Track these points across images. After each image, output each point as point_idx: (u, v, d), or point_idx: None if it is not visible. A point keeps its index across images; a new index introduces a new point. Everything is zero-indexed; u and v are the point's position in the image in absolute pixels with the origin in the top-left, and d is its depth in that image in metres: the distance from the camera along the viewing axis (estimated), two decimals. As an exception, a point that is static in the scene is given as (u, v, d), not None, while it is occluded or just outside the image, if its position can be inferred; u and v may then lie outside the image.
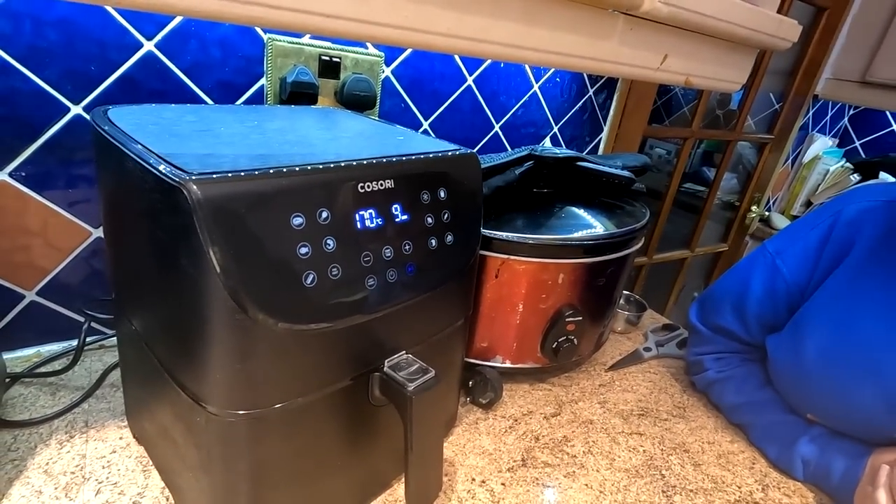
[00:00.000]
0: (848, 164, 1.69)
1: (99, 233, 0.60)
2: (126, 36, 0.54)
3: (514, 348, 0.64)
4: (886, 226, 0.54)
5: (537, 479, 0.54)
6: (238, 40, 0.60)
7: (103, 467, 0.47)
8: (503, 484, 0.52)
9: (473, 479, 0.52)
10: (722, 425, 0.67)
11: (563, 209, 0.66)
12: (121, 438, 0.51)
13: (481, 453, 0.56)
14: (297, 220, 0.32)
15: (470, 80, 0.79)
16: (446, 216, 0.43)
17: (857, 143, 1.81)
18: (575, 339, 0.64)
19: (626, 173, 0.67)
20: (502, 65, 0.82)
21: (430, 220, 0.42)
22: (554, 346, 0.63)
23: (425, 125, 0.78)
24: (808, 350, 0.56)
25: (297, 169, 0.33)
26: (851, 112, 1.80)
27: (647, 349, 0.80)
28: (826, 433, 0.57)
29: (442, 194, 0.43)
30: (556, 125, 0.95)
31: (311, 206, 0.33)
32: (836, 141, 1.82)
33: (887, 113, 1.71)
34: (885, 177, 1.60)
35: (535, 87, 0.87)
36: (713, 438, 0.64)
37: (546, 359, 0.65)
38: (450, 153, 0.44)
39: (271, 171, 0.32)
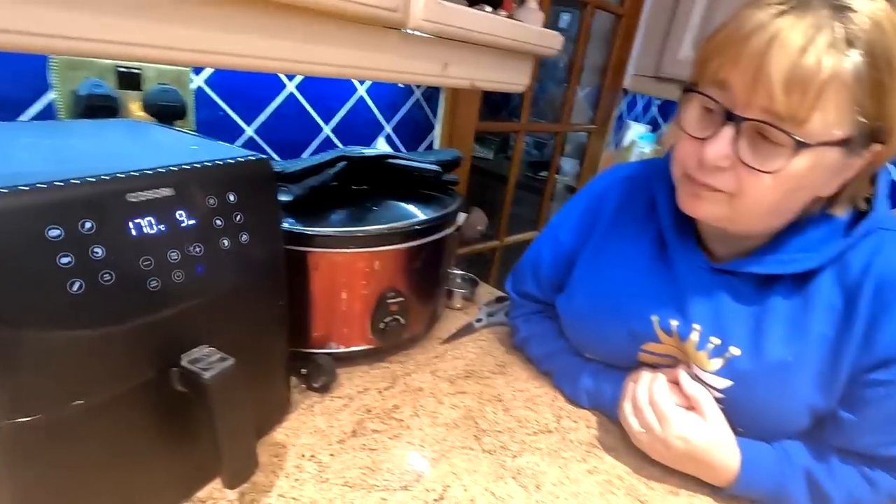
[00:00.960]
0: (659, 146, 2.00)
1: None
2: None
3: (346, 333, 0.70)
4: (620, 198, 0.68)
5: (365, 444, 0.60)
6: (11, 53, 0.58)
7: None
8: (331, 454, 0.58)
9: (303, 455, 0.57)
10: (533, 375, 0.79)
11: (380, 203, 0.73)
12: None
13: (314, 432, 0.61)
14: (55, 232, 0.34)
15: (291, 87, 0.83)
16: (238, 218, 0.47)
17: (664, 128, 2.15)
18: (401, 319, 0.72)
19: (433, 167, 0.75)
20: (323, 71, 0.87)
21: (219, 222, 0.46)
22: (381, 326, 0.70)
23: (249, 132, 0.81)
24: (577, 301, 0.70)
25: (56, 184, 0.35)
26: (658, 102, 2.13)
27: (479, 320, 0.91)
28: (601, 368, 0.71)
29: (231, 198, 0.47)
30: (389, 125, 1.02)
31: (71, 218, 0.35)
32: (650, 127, 2.14)
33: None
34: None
35: (362, 91, 0.93)
36: (524, 387, 0.76)
37: (377, 339, 0.72)
38: (238, 159, 0.48)
39: (22, 187, 0.33)
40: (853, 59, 0.42)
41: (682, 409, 0.59)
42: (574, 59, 1.54)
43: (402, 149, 1.07)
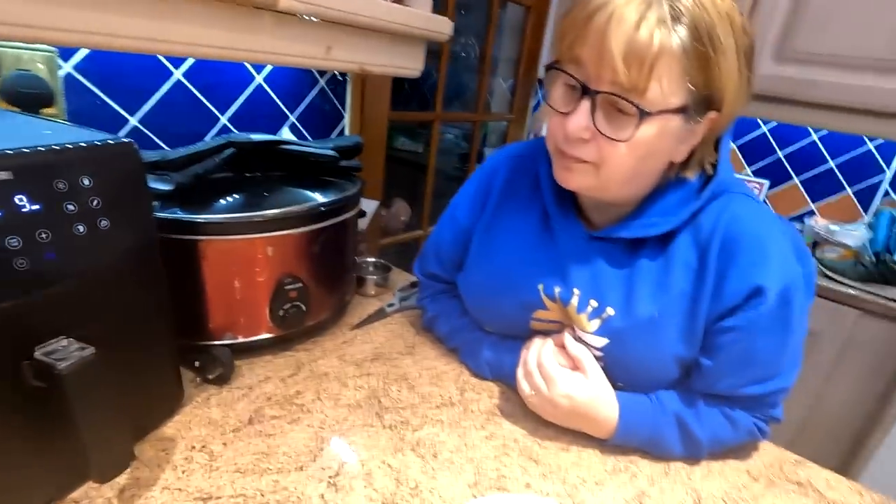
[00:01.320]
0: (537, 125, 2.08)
1: None
2: None
3: (244, 323, 0.69)
4: (508, 175, 0.71)
5: (261, 431, 0.60)
6: None
7: None
8: (224, 444, 0.57)
9: (194, 447, 0.56)
10: (441, 354, 0.81)
11: (274, 190, 0.72)
12: None
13: (207, 423, 0.60)
14: None
15: (178, 74, 0.80)
16: (96, 203, 0.45)
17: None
18: (301, 305, 0.71)
19: (329, 152, 0.75)
20: (214, 58, 0.84)
21: (71, 207, 0.44)
22: (281, 314, 0.70)
23: (133, 122, 0.77)
24: (473, 277, 0.72)
25: None
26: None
27: (391, 305, 0.92)
28: (499, 340, 0.74)
29: (86, 182, 0.45)
30: (293, 114, 1.00)
31: None
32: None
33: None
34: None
35: (259, 79, 0.92)
36: (432, 365, 0.78)
37: (278, 328, 0.71)
38: (94, 143, 0.46)
39: None
40: (679, 34, 0.47)
41: (566, 369, 0.63)
42: (484, 50, 1.58)
43: (309, 138, 1.05)
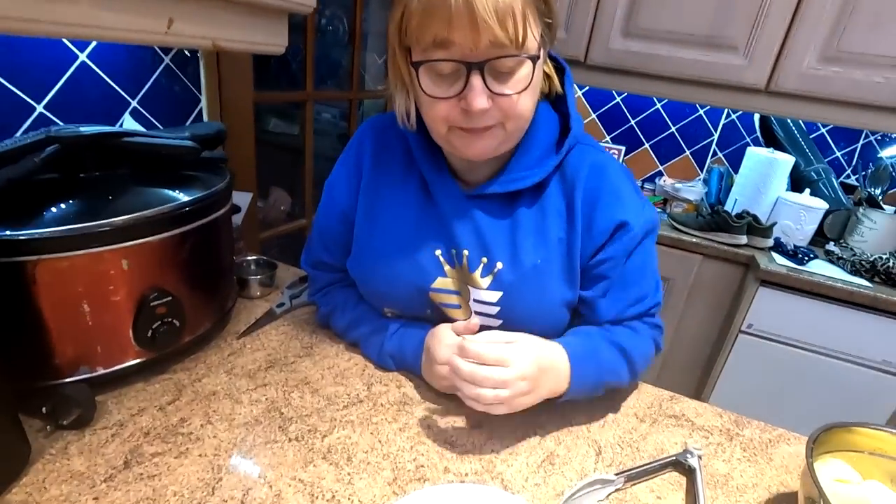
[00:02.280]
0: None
1: None
2: None
3: (101, 352, 0.58)
4: (376, 148, 0.70)
5: (142, 473, 0.51)
6: None
7: None
8: (96, 498, 0.48)
9: (53, 511, 0.46)
10: (342, 349, 0.77)
11: (121, 192, 0.61)
12: None
13: (70, 478, 0.50)
14: None
15: (-36, 52, 0.63)
16: None
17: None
18: (174, 321, 0.62)
19: (188, 143, 0.66)
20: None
21: None
22: (149, 334, 0.60)
23: None
24: (365, 257, 0.70)
25: None
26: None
27: (281, 305, 0.85)
28: (401, 327, 0.72)
29: None
30: (135, 99, 0.86)
31: None
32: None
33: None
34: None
35: (83, 57, 0.76)
36: (333, 363, 0.74)
37: (148, 350, 0.62)
38: None
39: None
40: None
41: (495, 349, 0.57)
42: (353, 24, 1.50)
43: (159, 126, 0.92)
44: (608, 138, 2.06)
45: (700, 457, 0.61)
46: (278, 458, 0.56)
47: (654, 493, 0.58)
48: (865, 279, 1.45)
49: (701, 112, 1.91)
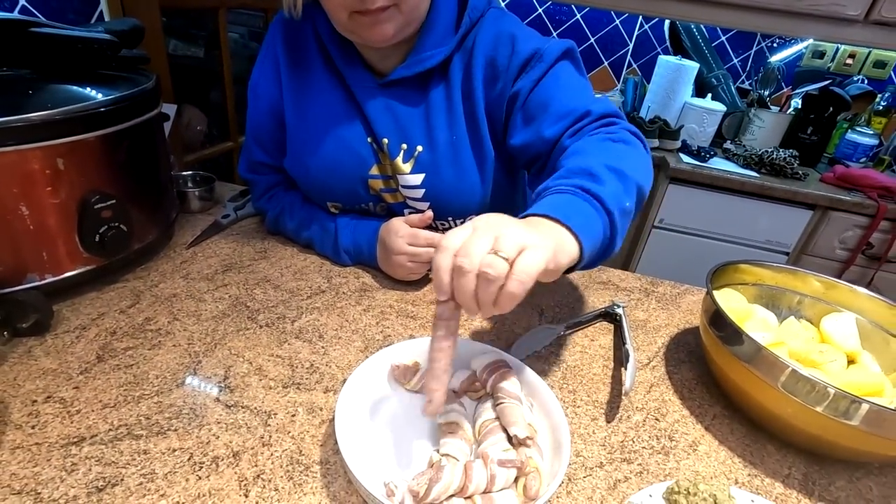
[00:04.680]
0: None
1: None
2: None
3: (47, 259, 0.57)
4: (288, 41, 0.70)
5: (118, 364, 0.53)
6: None
7: None
8: (76, 387, 0.49)
9: (35, 401, 0.47)
10: (297, 251, 0.79)
11: (39, 88, 0.57)
12: None
13: (42, 375, 0.50)
14: None
15: None
16: None
17: None
18: (122, 226, 0.61)
19: (104, 35, 0.61)
20: None
21: None
22: (97, 239, 0.59)
23: None
24: (303, 154, 0.71)
25: None
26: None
27: (226, 216, 0.84)
28: (352, 221, 0.75)
29: None
30: (23, -4, 0.76)
31: None
32: None
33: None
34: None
35: (-48, -59, 0.66)
36: (290, 263, 0.76)
37: (98, 256, 0.60)
38: None
39: None
40: None
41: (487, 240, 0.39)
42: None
43: (57, 29, 0.82)
44: (532, 52, 2.08)
45: (623, 307, 0.72)
46: (253, 342, 0.59)
47: (589, 337, 0.68)
48: (755, 171, 1.65)
49: (617, 21, 1.98)
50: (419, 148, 0.68)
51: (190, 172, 0.89)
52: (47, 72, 0.59)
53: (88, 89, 0.59)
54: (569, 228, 0.43)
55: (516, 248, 0.36)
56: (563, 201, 0.47)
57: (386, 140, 0.68)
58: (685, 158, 1.67)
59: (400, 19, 0.59)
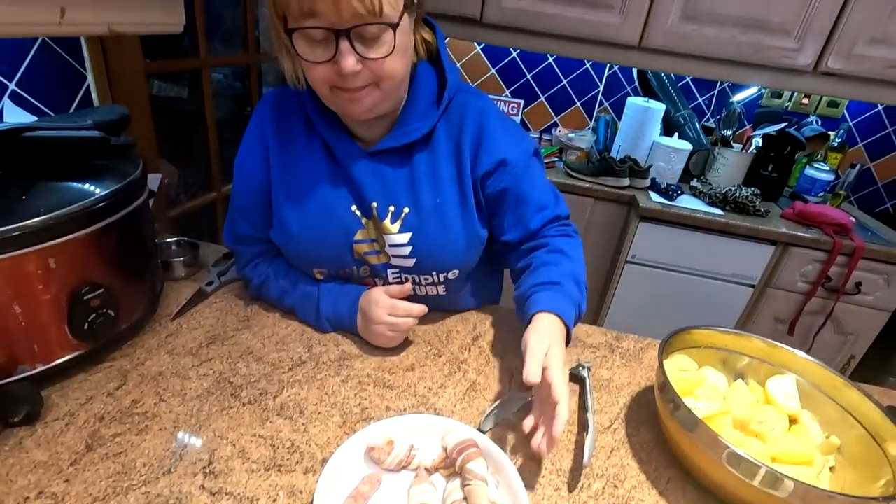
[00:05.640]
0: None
1: None
2: None
3: (38, 350, 0.59)
4: (277, 120, 0.75)
5: (107, 453, 0.56)
6: None
7: None
8: (66, 480, 0.52)
9: (27, 498, 0.50)
10: (279, 318, 0.82)
11: (31, 189, 0.60)
12: None
13: (33, 468, 0.53)
14: None
15: None
16: None
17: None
18: (110, 311, 0.64)
19: (94, 133, 0.65)
20: None
21: None
22: (86, 327, 0.62)
23: None
24: (289, 224, 0.75)
25: None
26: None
27: (210, 283, 0.87)
28: (333, 289, 0.79)
29: None
30: (12, 81, 0.80)
31: None
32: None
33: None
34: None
35: (-54, 40, 0.69)
36: (272, 332, 0.79)
37: (86, 342, 0.63)
38: None
39: None
40: None
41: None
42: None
43: (47, 111, 0.86)
44: (507, 92, 2.17)
45: (589, 368, 0.77)
46: (236, 421, 0.62)
47: (555, 401, 0.72)
48: (720, 209, 1.74)
49: (588, 65, 2.07)
50: (406, 209, 0.73)
51: (174, 238, 0.93)
52: (39, 171, 0.62)
53: (79, 184, 0.63)
54: (567, 327, 0.67)
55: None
56: (565, 305, 0.69)
57: (375, 203, 0.73)
58: (654, 197, 1.75)
59: (378, 95, 0.64)
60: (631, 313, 1.86)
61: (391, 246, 0.75)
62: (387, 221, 0.73)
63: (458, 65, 2.16)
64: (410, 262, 0.76)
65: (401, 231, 0.74)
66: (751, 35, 1.56)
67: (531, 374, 0.57)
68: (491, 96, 2.07)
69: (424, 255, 0.75)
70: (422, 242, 0.74)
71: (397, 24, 0.58)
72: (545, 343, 0.61)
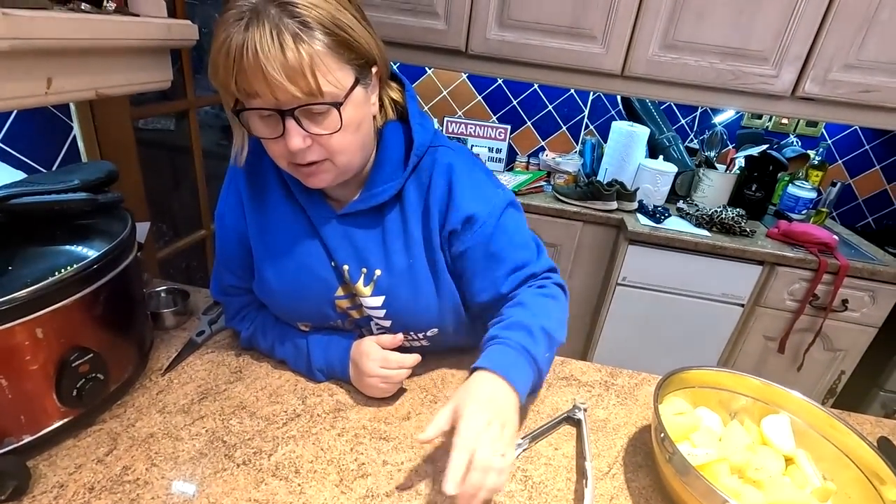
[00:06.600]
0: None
1: None
2: None
3: (25, 421, 0.58)
4: (247, 178, 0.73)
5: (98, 528, 0.54)
6: None
7: None
8: (55, 561, 0.51)
9: (14, 583, 0.48)
10: (272, 368, 0.82)
11: (16, 257, 0.59)
12: None
13: (21, 549, 0.51)
14: None
15: None
16: None
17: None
18: (99, 375, 0.63)
19: (81, 196, 0.64)
20: None
21: None
22: (74, 394, 0.61)
23: None
24: (268, 280, 0.75)
25: None
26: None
27: (201, 332, 0.86)
28: (322, 340, 0.79)
29: None
30: (-2, 137, 0.79)
31: None
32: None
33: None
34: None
35: (-70, 103, 0.69)
36: (265, 384, 0.78)
37: (75, 408, 0.62)
38: None
39: None
40: (317, 37, 0.54)
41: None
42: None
43: (37, 167, 0.85)
44: (494, 118, 2.20)
45: (585, 409, 0.77)
46: (230, 485, 0.61)
47: (553, 446, 0.72)
48: (706, 230, 1.76)
49: (572, 91, 2.11)
50: (378, 272, 0.72)
51: (163, 287, 0.92)
52: (25, 237, 0.61)
53: (66, 247, 0.62)
54: (513, 388, 0.62)
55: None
56: (510, 360, 0.64)
57: (346, 266, 0.72)
58: (642, 220, 1.77)
59: (334, 170, 0.63)
60: (624, 335, 1.87)
61: (367, 307, 0.75)
62: (359, 284, 0.72)
63: (445, 92, 2.18)
64: (386, 324, 0.76)
65: (374, 294, 0.73)
66: (729, 62, 1.60)
67: (425, 433, 0.57)
68: (478, 123, 2.11)
69: (399, 317, 0.75)
70: (395, 305, 0.73)
71: (342, 104, 0.57)
72: (454, 402, 0.59)
